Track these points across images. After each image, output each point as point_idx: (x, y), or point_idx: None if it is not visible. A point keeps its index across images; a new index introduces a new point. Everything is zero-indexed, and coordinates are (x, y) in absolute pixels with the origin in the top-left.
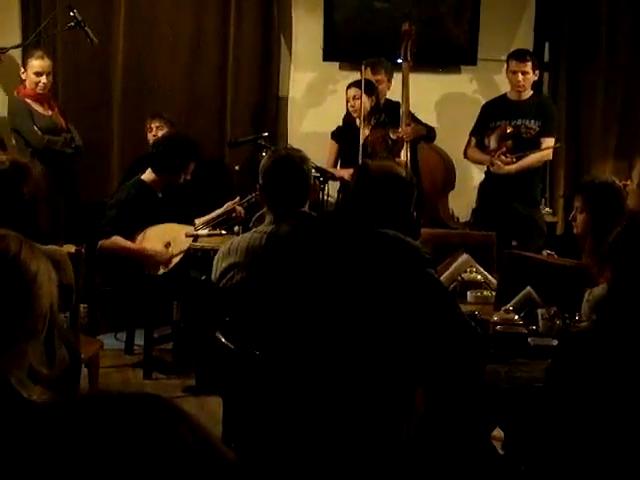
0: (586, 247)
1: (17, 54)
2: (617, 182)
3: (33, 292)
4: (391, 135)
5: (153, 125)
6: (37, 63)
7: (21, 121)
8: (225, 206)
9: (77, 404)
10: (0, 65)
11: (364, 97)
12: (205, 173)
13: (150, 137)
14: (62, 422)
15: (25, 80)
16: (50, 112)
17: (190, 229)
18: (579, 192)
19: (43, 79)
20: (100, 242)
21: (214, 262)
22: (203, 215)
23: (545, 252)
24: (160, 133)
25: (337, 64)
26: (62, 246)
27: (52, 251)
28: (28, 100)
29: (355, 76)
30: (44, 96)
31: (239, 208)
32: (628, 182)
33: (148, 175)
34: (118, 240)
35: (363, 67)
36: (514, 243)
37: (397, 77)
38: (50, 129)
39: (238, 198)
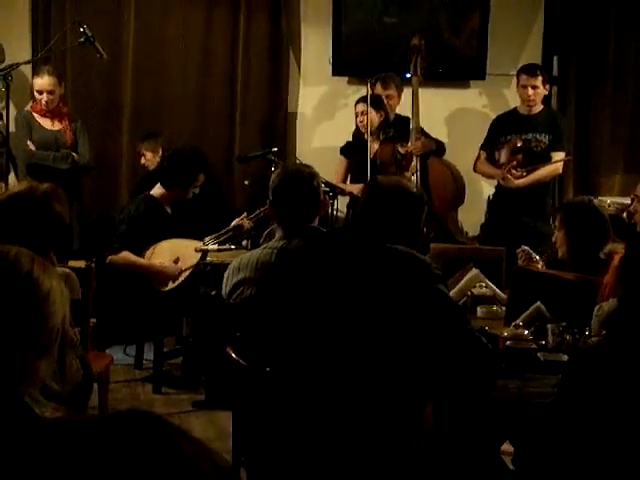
0: (568, 264)
1: (28, 70)
2: (593, 201)
3: (46, 309)
4: (400, 150)
5: (143, 149)
6: (37, 81)
7: (17, 135)
8: (233, 222)
9: (77, 424)
10: (11, 81)
11: (372, 112)
12: (214, 189)
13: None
14: (65, 442)
15: None
16: (58, 127)
17: (199, 244)
18: (557, 211)
19: (44, 97)
20: (110, 257)
21: (224, 277)
22: (212, 231)
23: (521, 249)
24: (143, 160)
25: (346, 79)
26: (67, 263)
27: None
28: (36, 115)
29: (364, 91)
30: (53, 112)
31: (247, 223)
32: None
33: (157, 190)
34: (128, 256)
35: (371, 82)
36: None
37: (407, 92)
38: (49, 144)
39: (245, 214)
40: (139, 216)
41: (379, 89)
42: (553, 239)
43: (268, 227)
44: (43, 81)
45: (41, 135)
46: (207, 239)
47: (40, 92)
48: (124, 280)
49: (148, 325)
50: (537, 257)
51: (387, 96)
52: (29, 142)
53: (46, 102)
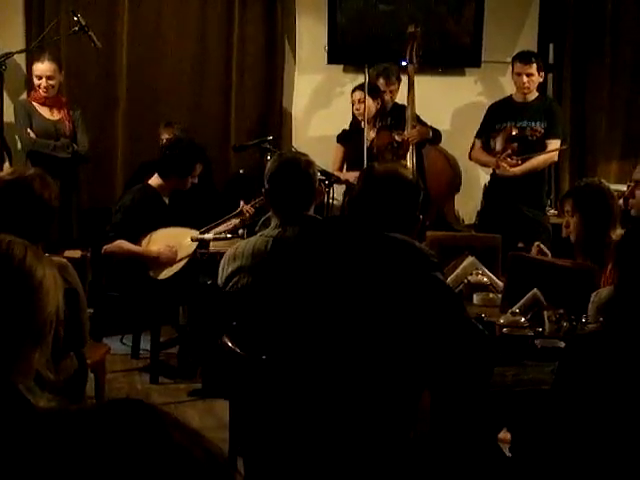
0: (581, 249)
1: (22, 60)
2: (603, 183)
3: (39, 298)
4: (396, 138)
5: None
6: (37, 66)
7: (17, 123)
8: (232, 214)
9: (69, 414)
10: (5, 71)
11: (369, 100)
12: (211, 178)
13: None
14: (57, 431)
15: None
16: (57, 117)
17: (195, 233)
18: (567, 196)
19: (43, 82)
20: (105, 247)
21: (220, 266)
22: (209, 222)
23: (536, 244)
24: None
25: (341, 67)
26: (63, 253)
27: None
28: (35, 103)
29: (360, 79)
30: (52, 100)
31: (247, 208)
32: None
33: (155, 180)
34: (122, 244)
35: (372, 73)
36: (520, 245)
37: (403, 79)
38: (49, 133)
39: (242, 202)
40: (136, 205)
41: (382, 84)
42: (563, 225)
43: (264, 215)
44: (43, 66)
45: (41, 124)
46: (208, 227)
47: (39, 77)
48: (120, 269)
49: (145, 314)
50: (549, 253)
51: (390, 91)
52: (29, 130)
53: (45, 88)
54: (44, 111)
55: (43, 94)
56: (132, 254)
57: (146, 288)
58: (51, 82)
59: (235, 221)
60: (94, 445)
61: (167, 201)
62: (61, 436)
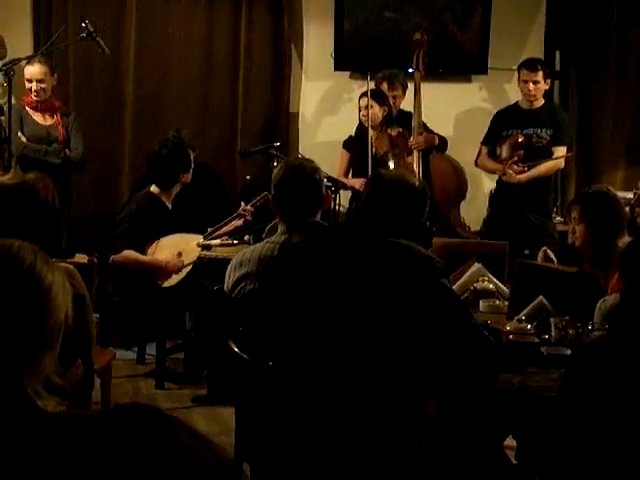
0: (588, 256)
1: None
2: (610, 190)
3: (48, 303)
4: (391, 133)
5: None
6: (27, 69)
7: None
8: (233, 215)
9: (78, 418)
10: (12, 76)
11: (376, 107)
12: (216, 185)
13: None
14: (65, 435)
15: None
16: (49, 122)
17: (200, 238)
18: (574, 203)
19: (34, 85)
20: (112, 257)
21: (227, 272)
22: (213, 225)
23: (542, 250)
24: None
25: (348, 73)
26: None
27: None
28: (28, 108)
29: (367, 86)
30: (45, 105)
31: (247, 207)
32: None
33: (157, 187)
34: (130, 254)
35: (377, 79)
36: (526, 252)
37: (409, 86)
38: (41, 138)
39: (243, 204)
40: (140, 213)
41: (385, 89)
42: (570, 231)
43: (270, 222)
44: (34, 69)
45: (33, 129)
46: (211, 229)
47: (30, 80)
48: (126, 276)
49: (151, 321)
50: (555, 259)
51: (393, 96)
52: (20, 134)
53: (36, 91)
54: (36, 116)
55: (34, 98)
56: (140, 264)
57: (152, 295)
58: (42, 85)
59: (238, 222)
60: (103, 448)
61: (170, 207)
62: (71, 440)
